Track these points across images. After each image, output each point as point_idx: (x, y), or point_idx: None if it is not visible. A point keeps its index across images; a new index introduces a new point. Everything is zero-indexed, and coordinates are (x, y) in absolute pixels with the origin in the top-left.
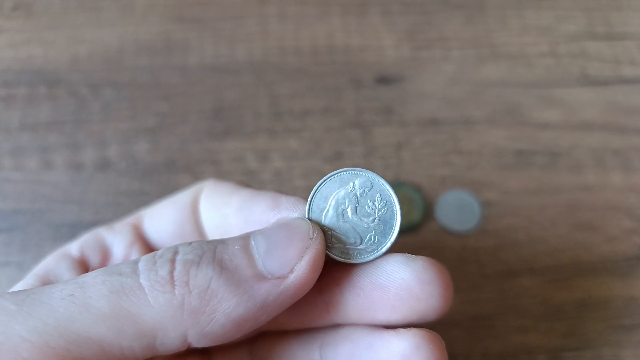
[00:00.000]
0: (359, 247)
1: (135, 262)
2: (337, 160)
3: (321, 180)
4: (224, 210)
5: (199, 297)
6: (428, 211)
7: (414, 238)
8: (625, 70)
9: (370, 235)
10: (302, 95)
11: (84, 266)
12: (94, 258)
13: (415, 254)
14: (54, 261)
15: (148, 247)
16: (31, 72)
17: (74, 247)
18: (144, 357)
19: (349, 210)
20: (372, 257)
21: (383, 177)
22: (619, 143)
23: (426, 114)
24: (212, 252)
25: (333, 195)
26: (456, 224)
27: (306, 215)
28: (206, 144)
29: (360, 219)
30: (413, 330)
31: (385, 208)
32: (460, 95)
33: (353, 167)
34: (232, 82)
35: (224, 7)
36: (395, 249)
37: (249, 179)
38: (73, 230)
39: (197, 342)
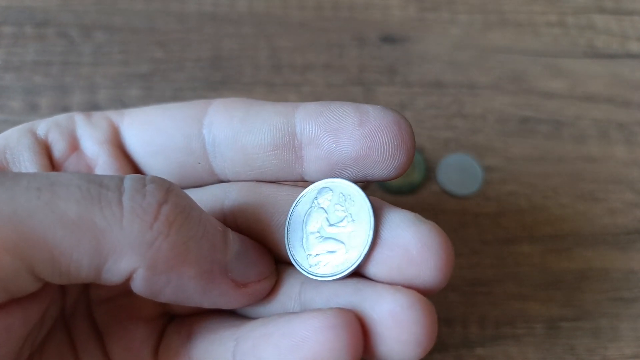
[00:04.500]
0: (346, 254)
1: (121, 179)
2: None
3: (289, 214)
4: (275, 123)
5: (172, 247)
6: (429, 173)
7: (414, 199)
8: (632, 45)
9: (351, 236)
10: (304, 49)
11: (46, 150)
12: (59, 145)
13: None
14: (16, 136)
15: (122, 153)
16: (18, 10)
17: (41, 126)
18: (83, 280)
19: (324, 225)
20: (354, 266)
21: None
22: (624, 116)
23: (431, 76)
24: (205, 223)
25: (303, 220)
26: (457, 187)
27: (288, 253)
28: (201, 93)
29: (337, 226)
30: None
31: (353, 202)
32: (465, 59)
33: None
34: (231, 32)
35: None
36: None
37: None
38: None
39: (136, 286)
